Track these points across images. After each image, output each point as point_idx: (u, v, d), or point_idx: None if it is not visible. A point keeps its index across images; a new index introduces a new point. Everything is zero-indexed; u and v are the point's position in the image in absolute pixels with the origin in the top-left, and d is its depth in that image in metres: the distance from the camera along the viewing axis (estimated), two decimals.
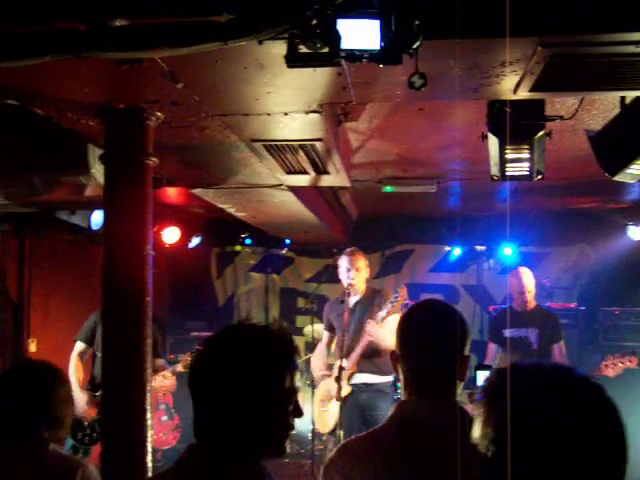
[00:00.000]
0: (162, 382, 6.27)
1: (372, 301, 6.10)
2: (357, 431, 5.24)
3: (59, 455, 2.86)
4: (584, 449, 1.26)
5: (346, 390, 5.92)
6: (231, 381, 1.86)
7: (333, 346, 6.47)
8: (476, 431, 1.38)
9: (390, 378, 6.15)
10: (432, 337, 2.23)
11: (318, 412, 6.34)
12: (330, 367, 6.29)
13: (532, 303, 6.58)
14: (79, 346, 6.26)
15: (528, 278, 6.56)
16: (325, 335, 6.51)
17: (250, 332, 1.95)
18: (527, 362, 1.42)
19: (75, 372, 6.18)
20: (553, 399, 1.31)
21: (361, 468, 2.10)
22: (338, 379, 5.71)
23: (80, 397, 6.10)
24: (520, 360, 6.22)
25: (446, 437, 1.98)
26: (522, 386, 1.32)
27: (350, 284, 5.95)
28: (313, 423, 6.71)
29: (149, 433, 3.35)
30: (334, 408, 5.96)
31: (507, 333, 6.54)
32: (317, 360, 6.53)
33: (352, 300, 6.11)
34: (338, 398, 5.68)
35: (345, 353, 5.91)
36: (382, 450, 2.13)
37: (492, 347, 6.70)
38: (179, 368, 6.44)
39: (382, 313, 5.78)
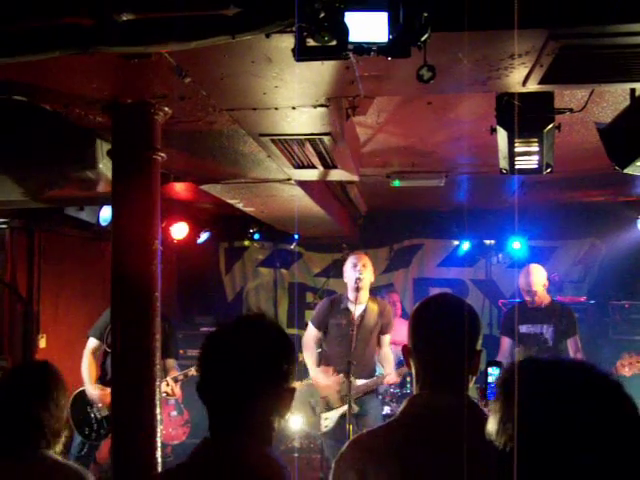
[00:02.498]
0: (165, 389, 6.18)
1: (378, 320, 6.18)
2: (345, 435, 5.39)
3: (58, 463, 2.84)
4: (605, 446, 1.25)
5: (353, 410, 5.94)
6: (242, 371, 1.92)
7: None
8: (492, 427, 1.37)
9: (374, 378, 6.25)
10: (444, 331, 2.23)
11: (304, 413, 6.31)
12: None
13: (545, 299, 6.52)
14: (92, 343, 6.23)
15: (536, 275, 6.47)
16: (314, 332, 6.40)
17: (262, 325, 2.03)
18: (544, 357, 1.41)
19: (88, 370, 6.16)
20: (573, 396, 1.30)
21: (373, 462, 2.11)
22: (347, 376, 5.71)
23: (93, 393, 6.11)
24: (536, 355, 6.22)
25: (457, 431, 1.97)
26: (541, 382, 1.31)
27: (358, 278, 5.94)
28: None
29: (159, 428, 3.36)
30: (331, 418, 6.06)
31: (522, 329, 6.49)
32: (310, 357, 6.44)
33: (357, 310, 6.08)
34: (347, 394, 5.70)
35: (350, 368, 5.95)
36: (394, 444, 2.13)
37: (506, 341, 6.64)
38: (192, 372, 6.37)
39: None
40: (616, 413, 1.29)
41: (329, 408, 6.13)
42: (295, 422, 6.33)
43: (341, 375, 5.97)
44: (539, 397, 1.28)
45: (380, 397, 6.75)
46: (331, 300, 6.47)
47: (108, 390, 5.95)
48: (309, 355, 6.41)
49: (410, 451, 2.10)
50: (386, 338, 6.28)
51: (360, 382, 6.03)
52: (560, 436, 1.26)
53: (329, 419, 6.09)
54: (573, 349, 6.37)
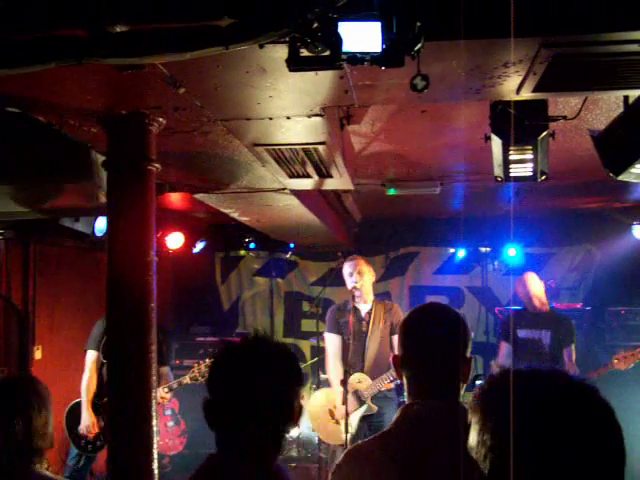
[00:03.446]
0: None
1: (386, 318, 6.18)
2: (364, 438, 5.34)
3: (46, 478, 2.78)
4: (582, 454, 1.26)
5: (372, 409, 6.01)
6: (253, 394, 1.96)
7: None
8: (472, 439, 1.37)
9: (392, 385, 6.21)
10: (434, 341, 2.24)
11: (324, 422, 6.30)
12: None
13: (544, 307, 6.57)
14: (92, 355, 6.20)
15: (534, 284, 6.56)
16: (336, 339, 6.30)
17: (270, 347, 2.08)
18: (521, 368, 1.41)
19: (87, 388, 6.13)
20: (550, 405, 1.30)
21: (369, 472, 2.11)
22: (344, 383, 5.70)
23: (86, 417, 6.09)
24: (527, 362, 6.24)
25: (451, 439, 1.97)
26: (517, 392, 1.31)
27: (354, 287, 5.98)
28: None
29: (155, 439, 3.35)
30: (351, 424, 5.94)
31: (521, 334, 6.54)
32: (336, 365, 6.25)
33: (363, 309, 6.17)
34: (344, 402, 5.67)
35: (365, 366, 5.99)
36: (389, 453, 2.14)
37: (504, 346, 6.69)
38: (186, 380, 6.39)
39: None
40: (593, 419, 1.30)
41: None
42: (316, 433, 6.33)
43: (353, 376, 5.96)
44: (516, 408, 1.28)
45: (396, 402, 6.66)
46: (337, 305, 6.54)
47: (98, 425, 5.96)
48: (333, 370, 6.28)
49: (406, 460, 2.11)
50: (397, 339, 6.17)
51: (373, 381, 6.03)
52: (539, 445, 1.26)
53: (350, 425, 6.03)
54: (567, 358, 6.41)
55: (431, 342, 2.25)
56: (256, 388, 1.95)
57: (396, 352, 2.37)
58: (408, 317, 2.38)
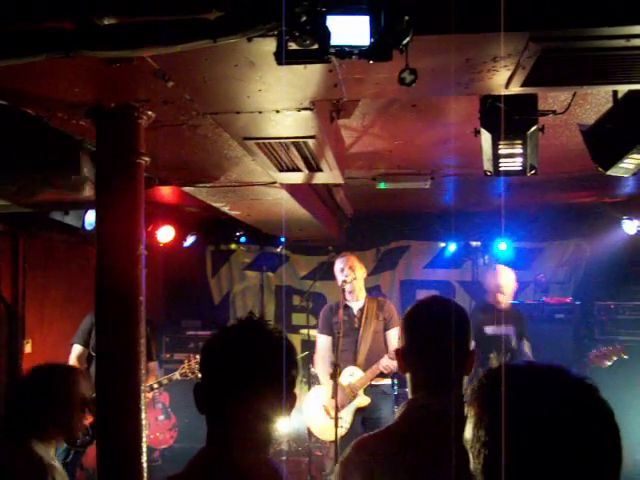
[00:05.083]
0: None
1: (379, 314, 6.19)
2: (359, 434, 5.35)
3: (30, 457, 2.87)
4: (579, 451, 1.25)
5: (365, 401, 6.02)
6: (249, 378, 1.89)
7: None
8: (467, 433, 1.37)
9: (389, 381, 6.26)
10: (437, 334, 2.25)
11: (318, 419, 6.29)
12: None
13: (502, 304, 6.55)
14: (77, 349, 6.20)
15: (505, 276, 6.51)
16: (325, 339, 6.37)
17: (267, 331, 1.99)
18: (519, 362, 1.41)
19: None
20: (547, 401, 1.29)
21: (378, 465, 2.13)
22: (333, 376, 5.70)
23: None
24: (502, 358, 6.30)
25: (456, 431, 1.99)
26: (515, 388, 1.30)
27: (344, 281, 5.99)
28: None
29: (144, 433, 3.34)
30: (344, 418, 5.98)
31: (489, 330, 6.49)
32: (324, 366, 6.33)
33: (355, 306, 6.20)
34: (334, 396, 5.67)
35: (359, 361, 6.02)
36: (397, 446, 2.16)
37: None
38: (176, 376, 6.39)
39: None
40: (591, 417, 1.28)
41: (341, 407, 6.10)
42: (312, 429, 6.41)
43: (344, 370, 6.00)
44: (512, 403, 1.27)
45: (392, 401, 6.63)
46: (330, 305, 6.54)
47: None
48: (322, 369, 6.36)
49: (412, 452, 2.12)
50: (391, 334, 6.15)
51: (364, 373, 6.05)
52: (535, 441, 1.26)
53: (342, 419, 6.02)
54: (527, 351, 6.43)
55: (433, 335, 2.25)
56: (250, 370, 1.88)
57: (392, 347, 2.38)
58: (410, 311, 2.38)
